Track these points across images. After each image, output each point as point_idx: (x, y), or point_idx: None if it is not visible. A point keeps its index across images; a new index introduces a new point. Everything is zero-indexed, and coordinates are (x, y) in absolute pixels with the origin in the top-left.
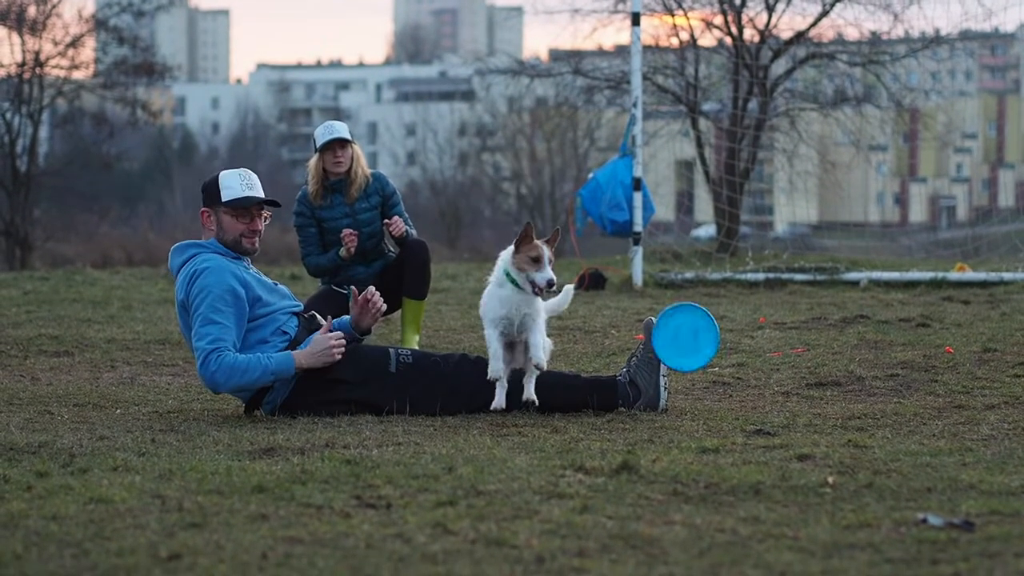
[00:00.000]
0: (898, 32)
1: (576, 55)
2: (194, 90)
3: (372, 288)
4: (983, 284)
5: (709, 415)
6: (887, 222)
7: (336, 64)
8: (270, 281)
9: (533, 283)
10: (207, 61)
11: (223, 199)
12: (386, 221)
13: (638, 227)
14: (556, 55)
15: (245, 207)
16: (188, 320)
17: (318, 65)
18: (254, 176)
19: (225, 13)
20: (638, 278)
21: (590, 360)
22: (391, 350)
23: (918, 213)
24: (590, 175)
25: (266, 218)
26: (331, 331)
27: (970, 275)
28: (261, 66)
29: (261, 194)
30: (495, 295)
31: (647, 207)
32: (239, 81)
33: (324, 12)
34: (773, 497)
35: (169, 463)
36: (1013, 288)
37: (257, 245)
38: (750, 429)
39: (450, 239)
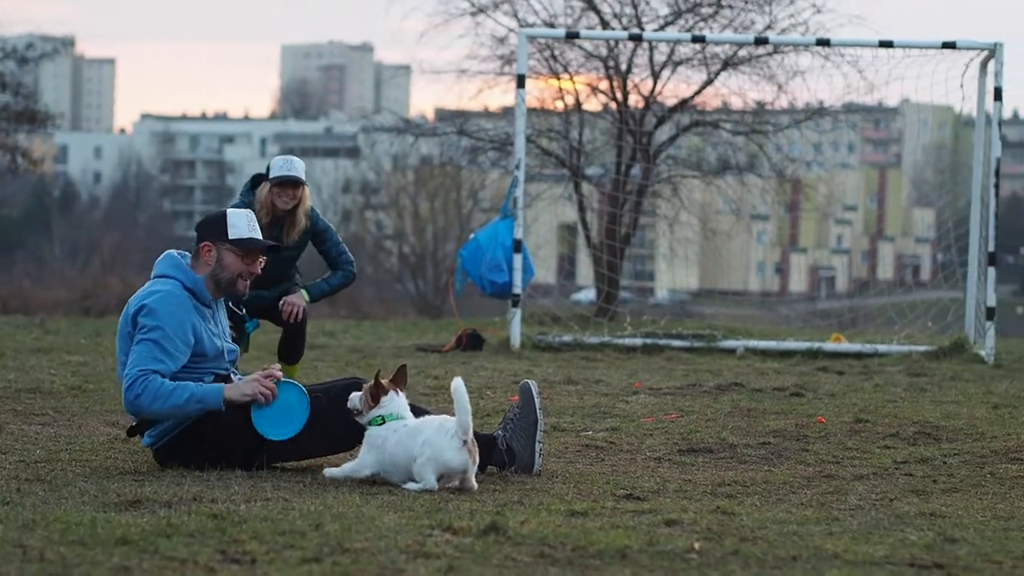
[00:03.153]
0: (782, 103)
1: (461, 115)
2: (77, 139)
3: (278, 372)
4: (858, 355)
5: (580, 478)
6: (767, 291)
7: (221, 117)
8: (219, 344)
9: None
10: (91, 110)
11: (229, 236)
12: (284, 300)
13: (518, 289)
14: (442, 115)
15: (251, 249)
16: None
17: (203, 117)
18: (255, 220)
19: (111, 62)
20: (516, 340)
21: None
22: None
23: (798, 283)
24: (471, 235)
25: (261, 263)
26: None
27: (845, 346)
28: (145, 116)
29: (262, 237)
30: None
31: (527, 269)
32: (123, 131)
33: (210, 64)
34: (639, 562)
35: (33, 513)
36: (887, 360)
37: (248, 289)
38: (620, 493)
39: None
